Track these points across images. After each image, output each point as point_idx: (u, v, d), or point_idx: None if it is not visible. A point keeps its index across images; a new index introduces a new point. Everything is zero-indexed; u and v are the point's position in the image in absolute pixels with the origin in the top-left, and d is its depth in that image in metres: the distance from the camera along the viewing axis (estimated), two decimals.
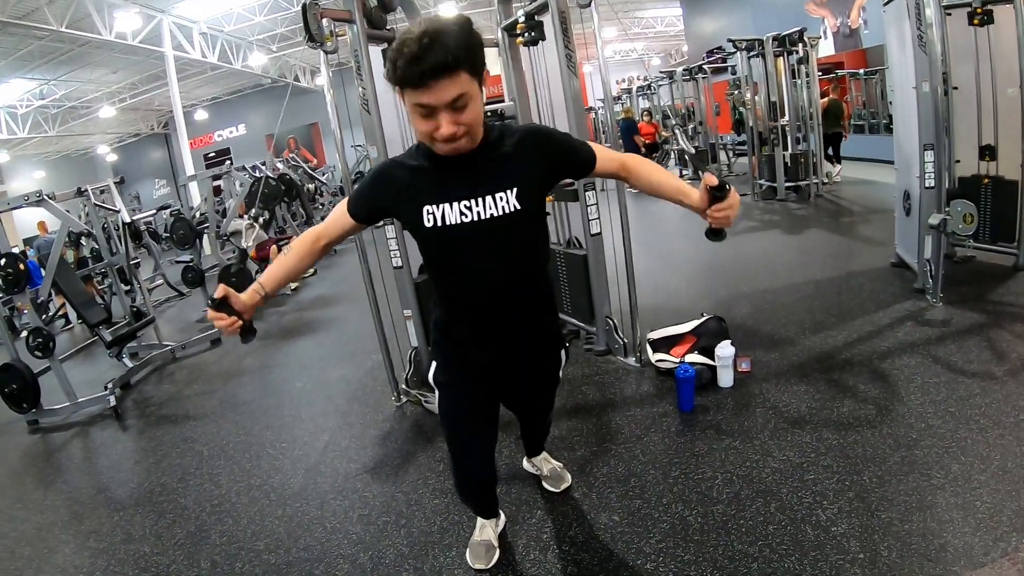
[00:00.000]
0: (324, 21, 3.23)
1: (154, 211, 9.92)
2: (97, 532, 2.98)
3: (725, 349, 3.27)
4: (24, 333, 4.91)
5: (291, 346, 5.59)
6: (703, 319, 3.69)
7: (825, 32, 12.22)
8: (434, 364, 1.89)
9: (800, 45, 8.44)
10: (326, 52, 3.30)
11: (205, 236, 8.09)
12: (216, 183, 10.46)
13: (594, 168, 1.67)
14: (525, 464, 2.74)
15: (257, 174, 8.82)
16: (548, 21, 3.55)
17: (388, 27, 3.85)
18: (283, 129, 23.47)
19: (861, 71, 12.14)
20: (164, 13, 13.24)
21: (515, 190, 1.55)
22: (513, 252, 1.64)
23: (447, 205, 1.55)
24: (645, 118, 13.10)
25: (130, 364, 5.47)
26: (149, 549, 2.73)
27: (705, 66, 12.64)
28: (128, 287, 6.06)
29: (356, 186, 1.76)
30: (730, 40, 9.02)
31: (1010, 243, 4.38)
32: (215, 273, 7.97)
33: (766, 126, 8.75)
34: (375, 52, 3.64)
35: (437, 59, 1.31)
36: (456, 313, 1.76)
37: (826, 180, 8.83)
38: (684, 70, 12.67)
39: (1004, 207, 4.35)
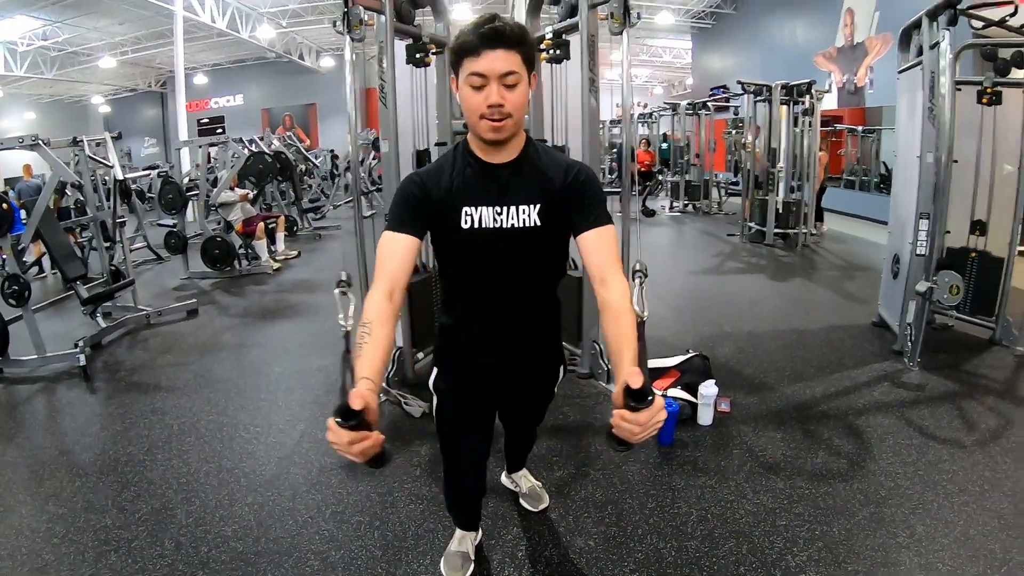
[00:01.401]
0: (356, 8, 3.21)
1: (147, 171, 9.77)
2: (57, 496, 2.91)
3: (709, 388, 3.33)
4: None
5: (271, 327, 5.53)
6: (688, 355, 3.76)
7: (830, 86, 12.44)
8: (435, 370, 1.89)
9: (807, 96, 8.60)
10: (353, 39, 3.26)
11: (191, 203, 8.01)
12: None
13: (581, 235, 1.56)
14: (504, 479, 2.74)
15: (253, 148, 8.74)
16: (575, 41, 3.58)
17: (415, 23, 3.84)
18: (280, 105, 23.34)
19: (860, 128, 12.41)
20: None
21: (538, 207, 1.59)
22: (529, 264, 1.67)
23: (484, 208, 1.58)
24: (643, 146, 13.21)
25: (103, 324, 5.34)
26: (111, 521, 2.66)
27: (709, 103, 12.81)
28: (109, 245, 5.94)
29: (392, 205, 1.64)
30: (740, 82, 9.14)
31: (989, 317, 4.52)
32: (198, 241, 7.90)
33: (763, 170, 8.88)
34: (399, 47, 3.64)
35: (495, 27, 1.43)
36: (467, 316, 1.77)
37: (814, 231, 8.98)
38: (688, 104, 12.81)
39: (987, 282, 4.49)
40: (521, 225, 1.58)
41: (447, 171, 1.62)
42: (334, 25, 3.28)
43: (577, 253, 1.62)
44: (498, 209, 1.58)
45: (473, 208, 1.58)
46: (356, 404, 1.11)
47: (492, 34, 1.42)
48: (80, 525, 2.66)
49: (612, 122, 16.97)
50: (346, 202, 14.19)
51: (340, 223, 11.52)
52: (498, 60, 1.43)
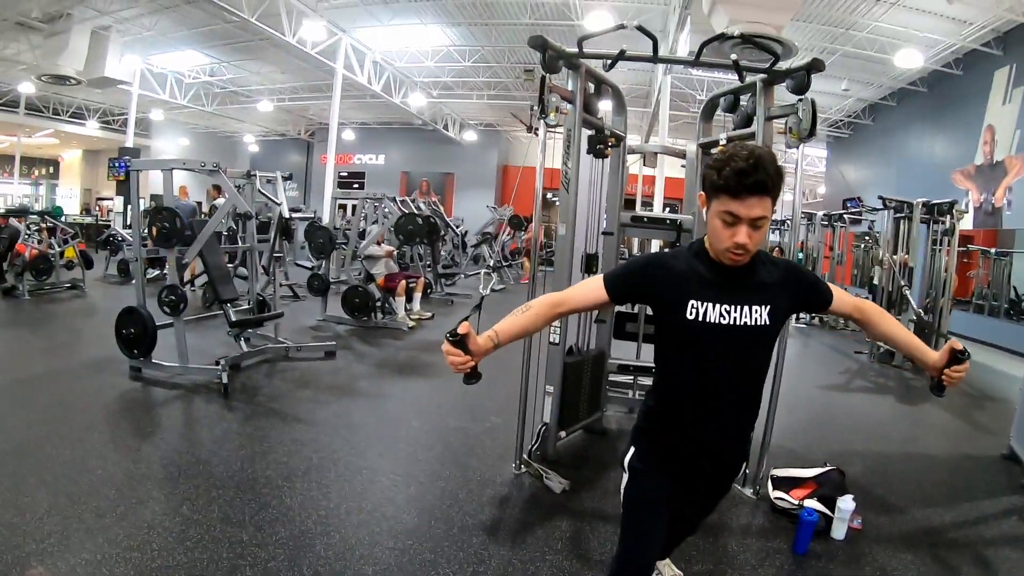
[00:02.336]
0: (552, 95, 3.40)
1: (312, 215, 10.34)
2: (192, 501, 3.04)
3: (847, 503, 3.27)
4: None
5: (407, 383, 5.65)
6: (825, 468, 3.68)
7: (967, 205, 11.98)
8: (632, 449, 1.94)
9: (948, 215, 8.33)
10: (548, 125, 3.44)
11: (335, 250, 8.42)
12: (342, 202, 10.90)
13: (830, 307, 1.85)
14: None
15: (405, 209, 9.13)
16: None
17: (598, 116, 4.01)
18: (419, 170, 24.36)
19: (992, 250, 11.84)
20: (346, 33, 14.09)
21: (768, 308, 1.70)
22: (750, 361, 1.77)
23: (710, 304, 1.68)
24: (776, 254, 13.00)
25: (245, 348, 5.64)
26: (248, 537, 2.76)
27: (846, 215, 12.57)
28: (258, 276, 6.33)
29: (621, 266, 1.89)
30: (881, 197, 8.94)
31: None
32: (336, 287, 8.29)
33: (897, 288, 8.59)
34: (583, 134, 3.80)
35: (759, 179, 1.53)
36: (678, 405, 1.83)
37: None
38: (824, 214, 12.61)
39: None
40: (752, 323, 1.69)
41: (681, 262, 1.74)
42: (531, 108, 3.47)
43: None
44: (728, 308, 1.68)
45: (700, 303, 1.68)
46: (461, 329, 1.61)
47: (756, 186, 1.55)
48: (216, 534, 2.76)
49: None
50: (475, 273, 14.46)
51: (470, 292, 11.72)
52: (755, 208, 1.57)
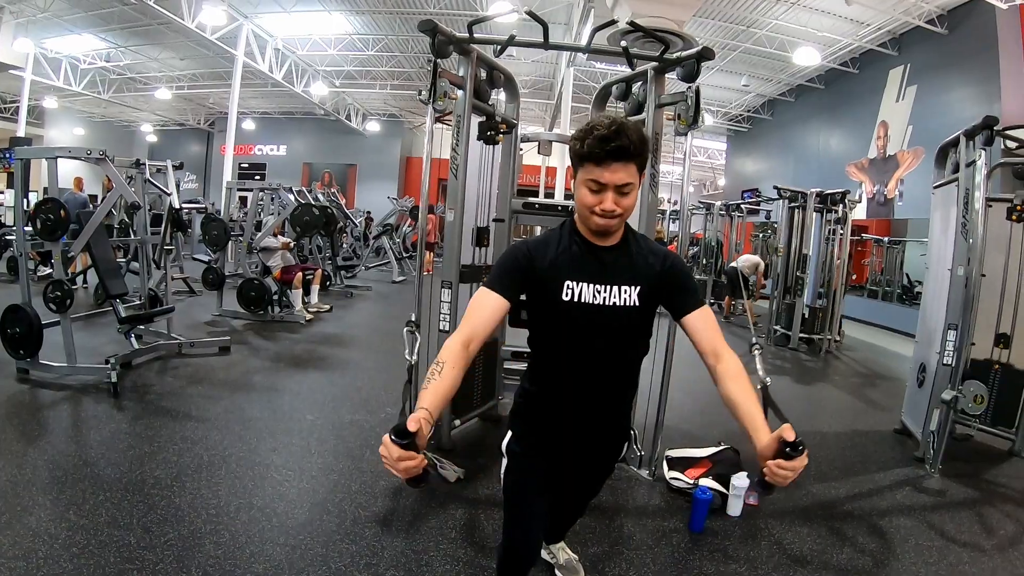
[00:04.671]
0: (442, 81, 3.37)
1: (201, 204, 9.95)
2: (78, 506, 2.90)
3: (741, 480, 3.39)
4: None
5: (303, 376, 5.53)
6: (720, 448, 3.81)
7: (861, 196, 12.64)
8: (509, 433, 1.94)
9: (841, 205, 8.75)
10: (436, 110, 3.41)
11: (230, 242, 8.16)
12: (244, 194, 10.56)
13: (685, 319, 1.71)
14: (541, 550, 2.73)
15: (302, 199, 8.95)
16: None
17: (489, 103, 4.01)
18: (321, 162, 23.95)
19: (886, 239, 12.57)
20: (247, 19, 13.69)
21: (638, 288, 1.70)
22: (623, 341, 1.77)
23: (585, 284, 1.68)
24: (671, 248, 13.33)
25: (136, 345, 5.38)
26: (135, 540, 2.65)
27: (743, 205, 13.05)
28: (150, 270, 6.07)
29: (494, 268, 1.79)
30: (776, 187, 9.32)
31: (1009, 428, 4.63)
32: (233, 281, 8.04)
33: (792, 275, 8.97)
34: (473, 121, 3.79)
35: (621, 144, 1.53)
36: (553, 385, 1.82)
37: (838, 338, 9.00)
38: (722, 204, 13.04)
39: (1009, 394, 4.59)
40: (622, 304, 1.69)
41: (553, 245, 1.73)
42: (419, 94, 3.43)
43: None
44: (599, 287, 1.68)
45: (575, 283, 1.68)
46: (411, 426, 1.30)
47: (618, 151, 1.55)
48: (102, 539, 2.65)
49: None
50: (377, 265, 14.40)
51: (371, 284, 11.73)
52: (618, 172, 1.57)
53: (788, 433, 1.36)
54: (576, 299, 1.68)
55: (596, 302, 1.68)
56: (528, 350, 1.86)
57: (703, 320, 1.70)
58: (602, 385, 1.80)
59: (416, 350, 3.27)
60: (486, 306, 1.66)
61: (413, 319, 3.45)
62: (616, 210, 1.60)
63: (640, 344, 1.82)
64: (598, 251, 1.71)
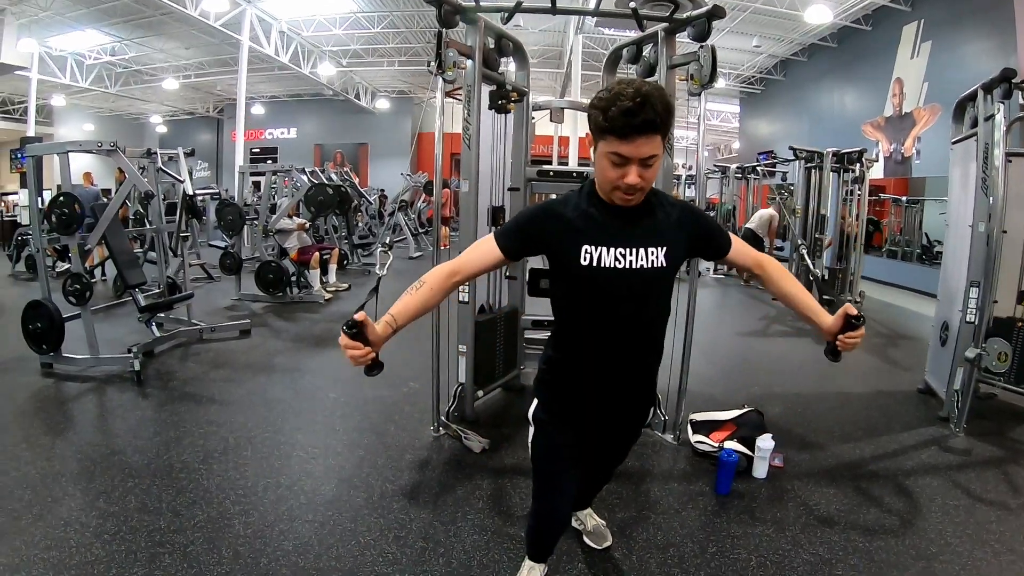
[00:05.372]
0: (450, 51, 3.32)
1: (215, 191, 9.98)
2: (108, 494, 2.93)
3: (766, 441, 3.36)
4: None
5: (324, 355, 5.54)
6: (744, 410, 3.76)
7: (878, 155, 12.43)
8: (536, 401, 1.93)
9: (858, 164, 8.61)
10: (445, 80, 3.37)
11: (246, 227, 8.18)
12: (256, 179, 10.55)
13: (727, 255, 1.81)
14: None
15: (315, 180, 8.94)
16: None
17: (499, 71, 3.96)
18: (332, 142, 23.81)
19: (904, 198, 12.36)
20: (250, 3, 13.59)
21: (664, 249, 1.66)
22: (649, 304, 1.73)
23: (604, 248, 1.63)
24: None
25: (157, 334, 5.43)
26: (166, 524, 2.67)
27: (759, 168, 12.88)
28: (167, 258, 6.10)
29: (510, 221, 1.78)
30: (792, 148, 9.16)
31: None
32: (250, 265, 8.07)
33: (810, 237, 8.86)
34: (484, 90, 3.74)
35: (648, 118, 1.44)
36: (579, 352, 1.79)
37: (859, 299, 8.90)
38: (738, 167, 12.86)
39: None
40: (649, 266, 1.65)
41: (572, 207, 1.68)
42: (428, 65, 3.39)
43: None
44: (623, 251, 1.63)
45: (594, 247, 1.63)
46: (358, 316, 1.50)
47: (644, 125, 1.46)
48: (133, 525, 2.67)
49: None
50: (396, 241, 14.31)
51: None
52: (643, 147, 1.50)
53: (851, 309, 1.67)
54: (596, 263, 1.63)
55: (621, 266, 1.63)
56: (549, 318, 1.84)
57: (738, 248, 1.82)
58: (628, 351, 1.76)
59: (387, 267, 3.76)
60: (484, 252, 1.70)
61: (387, 242, 3.66)
62: (640, 183, 1.54)
63: (665, 306, 1.79)
64: (621, 212, 1.65)
